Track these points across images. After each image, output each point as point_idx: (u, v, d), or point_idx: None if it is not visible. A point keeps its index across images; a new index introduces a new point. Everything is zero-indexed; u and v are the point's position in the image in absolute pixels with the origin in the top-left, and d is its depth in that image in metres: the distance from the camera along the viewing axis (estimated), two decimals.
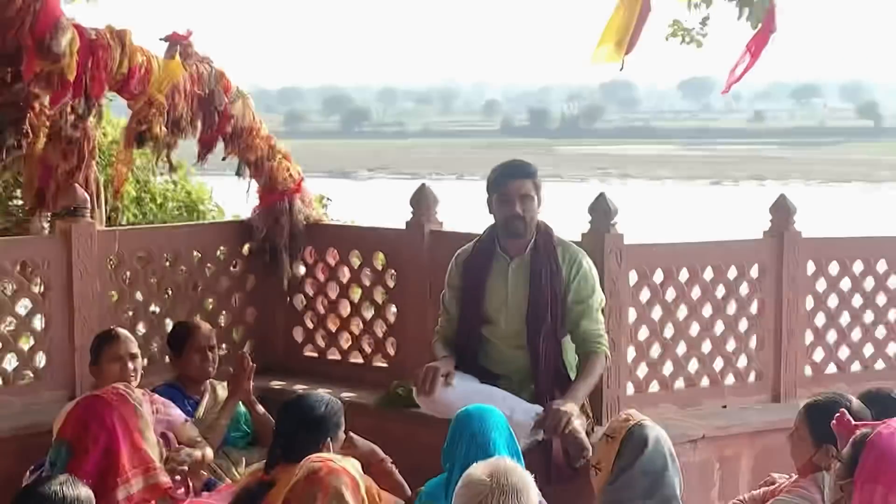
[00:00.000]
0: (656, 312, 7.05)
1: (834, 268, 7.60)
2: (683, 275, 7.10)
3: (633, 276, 6.90)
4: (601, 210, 6.72)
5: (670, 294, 7.07)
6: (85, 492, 4.00)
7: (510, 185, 6.28)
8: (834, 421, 4.81)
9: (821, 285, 7.57)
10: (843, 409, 4.91)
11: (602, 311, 6.35)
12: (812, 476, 5.23)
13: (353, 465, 4.61)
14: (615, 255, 6.71)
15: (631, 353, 6.94)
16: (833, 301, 7.63)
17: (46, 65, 6.26)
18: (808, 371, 7.49)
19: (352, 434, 5.71)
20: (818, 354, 7.59)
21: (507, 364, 6.44)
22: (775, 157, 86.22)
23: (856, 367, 7.70)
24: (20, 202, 9.02)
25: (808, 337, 7.52)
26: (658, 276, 7.01)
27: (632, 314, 6.92)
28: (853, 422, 4.73)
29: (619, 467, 4.73)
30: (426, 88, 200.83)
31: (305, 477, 4.47)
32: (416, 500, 5.46)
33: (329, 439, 5.33)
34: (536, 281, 6.28)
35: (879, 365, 7.76)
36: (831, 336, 7.63)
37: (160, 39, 7.24)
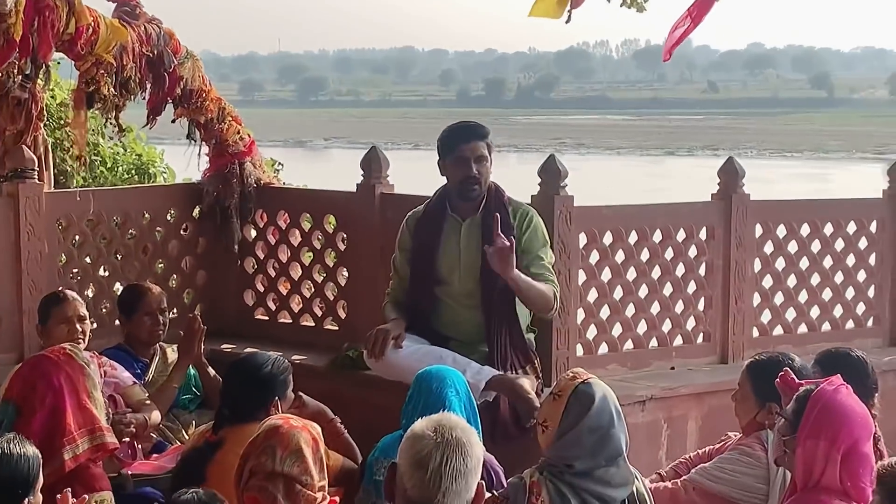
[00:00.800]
0: (605, 274, 7.09)
1: (781, 230, 7.67)
2: (633, 237, 7.14)
3: (582, 238, 6.92)
4: (551, 171, 6.73)
5: (619, 256, 7.10)
6: (32, 450, 3.97)
7: (465, 146, 6.26)
8: (778, 379, 4.87)
9: (768, 248, 7.64)
10: (786, 368, 4.98)
11: (552, 268, 6.35)
12: (756, 434, 5.29)
13: (313, 426, 4.61)
14: (565, 216, 6.73)
15: (580, 314, 6.98)
16: (780, 264, 7.70)
17: None
18: (755, 333, 7.56)
19: (301, 393, 5.71)
20: (765, 316, 7.67)
21: (460, 325, 6.44)
22: (729, 126, 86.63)
23: (802, 329, 7.79)
24: None
25: (756, 299, 7.59)
26: (608, 239, 7.04)
27: (581, 276, 6.95)
28: (797, 379, 4.80)
29: (565, 425, 4.71)
30: (382, 57, 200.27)
31: (265, 431, 4.45)
32: (370, 456, 5.48)
33: (277, 398, 5.34)
34: (487, 235, 6.27)
35: (826, 327, 7.86)
36: (778, 298, 7.71)
37: (108, 0, 7.19)
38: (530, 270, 6.20)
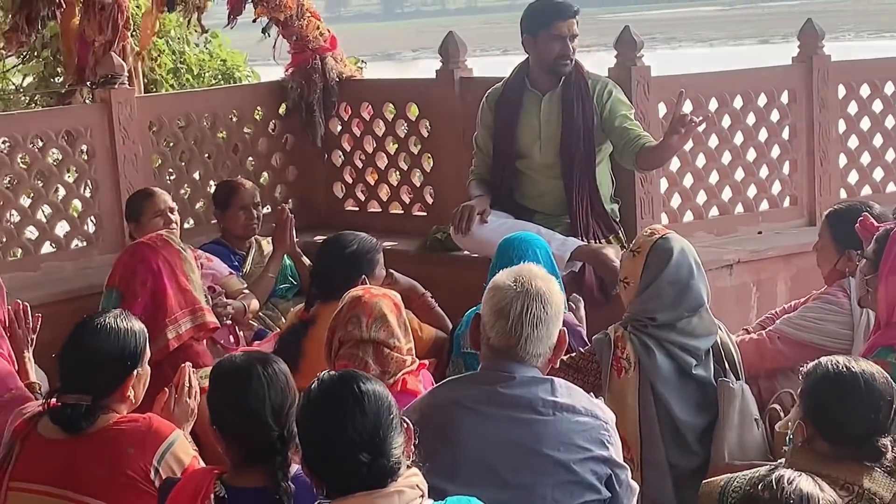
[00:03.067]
0: (687, 143, 7.10)
1: (865, 90, 7.61)
2: (713, 104, 7.15)
3: (661, 108, 6.95)
4: (626, 43, 6.76)
5: (701, 125, 7.11)
6: (138, 325, 4.13)
7: (563, 23, 6.34)
8: (857, 224, 4.93)
9: (852, 108, 7.59)
10: (865, 213, 5.03)
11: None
12: (838, 282, 5.35)
13: (393, 294, 4.74)
14: (643, 86, 6.76)
15: (664, 184, 7.03)
16: (865, 123, 7.66)
17: None
18: (842, 194, 7.52)
19: (392, 271, 5.89)
20: (853, 177, 7.64)
21: (542, 198, 6.57)
22: (825, 10, 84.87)
23: (891, 188, 7.73)
24: (63, 79, 9.16)
25: (842, 160, 7.57)
26: (687, 107, 7.05)
27: None
28: (875, 223, 4.85)
29: (646, 279, 4.84)
30: None
31: (349, 303, 4.58)
32: (457, 329, 5.62)
33: (364, 276, 5.49)
34: (569, 111, 6.37)
35: None
36: (865, 158, 7.67)
37: None
38: (626, 128, 6.29)
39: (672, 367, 4.81)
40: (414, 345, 4.90)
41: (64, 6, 7.00)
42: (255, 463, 3.56)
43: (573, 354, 4.99)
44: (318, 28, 7.86)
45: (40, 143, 7.08)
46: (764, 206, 7.37)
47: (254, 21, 7.81)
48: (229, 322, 6.24)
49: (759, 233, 7.27)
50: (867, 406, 3.52)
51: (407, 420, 3.19)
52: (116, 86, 7.21)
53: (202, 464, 3.96)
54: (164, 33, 9.42)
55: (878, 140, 7.69)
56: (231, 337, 6.34)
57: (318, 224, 7.92)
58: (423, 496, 3.13)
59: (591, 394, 4.81)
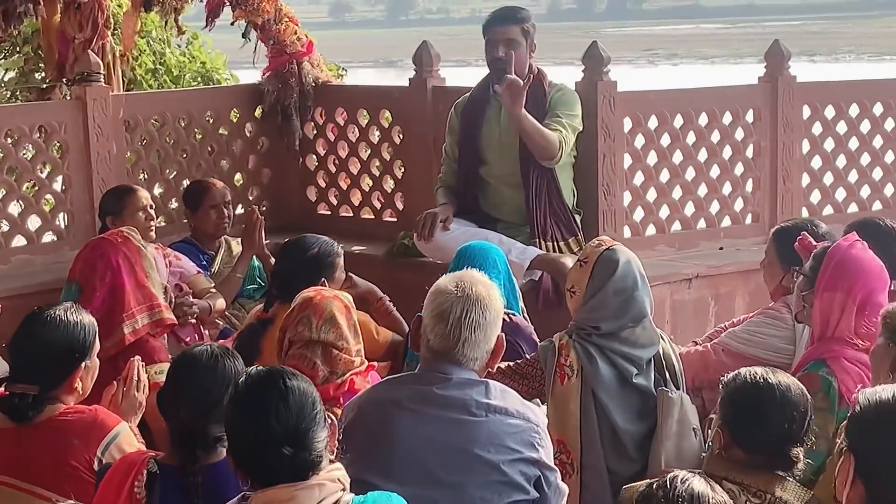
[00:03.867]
0: (651, 158, 7.25)
1: (830, 112, 7.74)
2: (678, 121, 7.27)
3: (627, 123, 7.08)
4: (594, 58, 6.89)
5: (665, 140, 7.25)
6: (88, 318, 4.25)
7: (496, 30, 6.56)
8: (796, 242, 5.06)
9: (816, 129, 7.73)
10: (804, 232, 5.16)
11: (575, 129, 6.58)
12: (783, 298, 5.46)
13: (344, 296, 4.85)
14: (608, 101, 6.89)
15: (627, 197, 7.16)
16: (829, 144, 7.79)
17: None
18: (804, 213, 7.66)
19: (351, 274, 5.99)
20: (815, 196, 7.77)
21: (504, 205, 6.72)
22: (826, 32, 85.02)
23: (853, 208, 7.86)
24: (43, 75, 9.27)
25: (805, 180, 7.70)
26: (653, 123, 7.19)
27: (627, 160, 7.11)
28: (814, 242, 4.98)
29: (591, 289, 4.94)
30: None
31: (300, 304, 4.68)
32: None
33: (324, 278, 5.60)
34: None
35: (876, 206, 7.93)
36: (828, 178, 7.81)
37: None
38: (545, 122, 6.44)
39: (614, 376, 4.91)
40: (370, 346, 5.02)
41: (41, 3, 7.09)
42: (184, 446, 3.70)
43: (519, 361, 5.10)
44: (295, 33, 7.98)
45: (14, 138, 7.17)
46: (726, 222, 7.49)
47: (232, 24, 7.94)
48: (194, 321, 6.35)
49: (720, 248, 7.39)
50: (781, 416, 3.64)
51: (331, 416, 3.31)
52: (92, 83, 7.32)
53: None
54: (145, 33, 9.56)
55: (841, 161, 7.83)
56: (196, 335, 6.44)
57: (292, 227, 7.98)
58: (344, 490, 3.23)
59: (537, 400, 4.98)
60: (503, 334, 4.06)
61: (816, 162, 7.75)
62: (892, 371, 3.99)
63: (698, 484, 2.92)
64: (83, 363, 4.16)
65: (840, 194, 7.82)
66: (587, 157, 6.85)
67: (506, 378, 4.99)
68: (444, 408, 3.89)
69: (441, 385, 3.92)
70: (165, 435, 3.86)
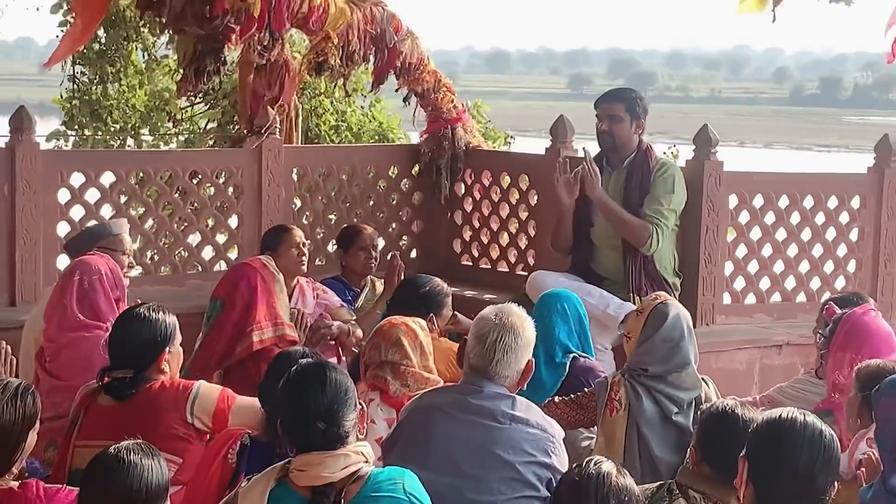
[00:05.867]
0: (755, 233, 7.92)
1: None
2: (783, 201, 7.93)
3: (733, 200, 7.78)
4: (703, 139, 7.64)
5: (769, 218, 7.92)
6: (171, 317, 5.10)
7: (601, 106, 7.45)
8: (824, 310, 5.74)
9: None
10: (830, 302, 5.83)
11: (674, 212, 7.30)
12: None
13: (415, 322, 5.69)
14: (714, 178, 7.62)
15: (729, 267, 7.84)
16: None
17: (235, 3, 7.60)
18: None
19: (456, 313, 6.84)
20: None
21: (607, 264, 7.50)
22: None
23: None
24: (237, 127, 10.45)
25: None
26: (758, 201, 7.87)
27: (730, 233, 7.81)
28: (837, 309, 5.66)
29: (643, 336, 5.68)
30: (716, 53, 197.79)
31: (373, 333, 5.61)
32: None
33: (432, 313, 6.47)
34: (629, 184, 7.36)
35: None
36: None
37: None
38: (642, 210, 7.23)
39: (656, 412, 5.64)
40: (455, 372, 5.85)
41: (226, 62, 8.20)
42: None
43: (580, 393, 5.89)
44: (451, 101, 8.94)
45: (198, 179, 8.29)
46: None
47: (396, 90, 8.95)
48: (332, 342, 7.28)
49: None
50: (743, 441, 4.34)
51: (362, 403, 4.17)
52: (269, 136, 8.41)
53: (230, 393, 4.97)
54: (329, 94, 10.71)
55: None
56: (335, 358, 7.37)
57: (437, 274, 8.87)
58: (366, 462, 4.08)
59: (594, 427, 5.77)
60: (532, 359, 4.85)
61: None
62: (859, 416, 4.66)
63: (607, 465, 3.66)
64: (166, 349, 5.02)
65: None
66: (691, 227, 7.58)
67: (567, 407, 5.83)
68: (475, 414, 4.71)
69: (475, 395, 4.74)
70: None
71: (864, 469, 4.48)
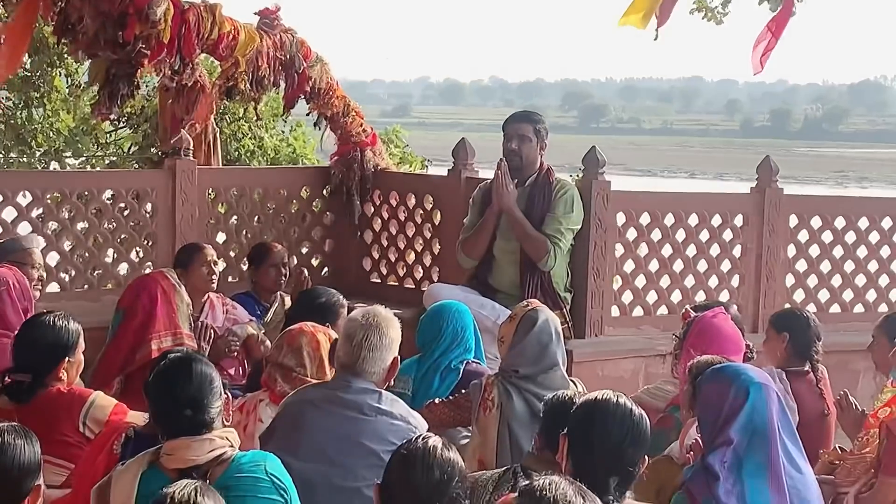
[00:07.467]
0: (642, 249, 8.35)
1: (816, 222, 8.75)
2: (668, 219, 8.37)
3: (620, 218, 8.21)
4: (591, 160, 8.08)
5: (655, 235, 8.36)
6: (74, 325, 5.34)
7: (511, 126, 7.92)
8: (682, 315, 6.16)
9: (803, 236, 8.74)
10: (687, 307, 6.26)
11: (571, 231, 7.74)
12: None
13: (323, 331, 6.07)
14: (602, 197, 8.04)
15: (617, 281, 8.27)
16: (815, 251, 8.79)
17: (146, 29, 7.97)
18: (786, 307, 8.61)
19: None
20: (798, 295, 8.76)
21: (504, 278, 7.91)
22: None
23: (835, 308, 8.83)
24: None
25: (790, 280, 8.70)
26: (644, 219, 8.31)
27: (619, 249, 8.23)
28: (692, 313, 6.09)
29: (515, 339, 6.08)
30: (668, 86, 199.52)
31: (284, 333, 5.98)
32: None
33: (328, 323, 6.84)
34: (531, 202, 7.80)
35: (858, 308, 8.87)
36: (812, 280, 8.79)
37: (254, 13, 8.93)
38: (542, 227, 7.64)
39: (526, 410, 6.02)
40: None
41: (139, 86, 8.55)
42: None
43: (457, 395, 6.29)
44: (361, 125, 9.34)
45: (112, 199, 8.63)
46: None
47: (307, 115, 9.34)
48: (235, 354, 7.63)
49: None
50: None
51: (228, 394, 4.53)
52: (182, 157, 8.77)
53: (124, 408, 5.23)
54: (248, 119, 11.10)
55: (825, 266, 8.80)
56: (239, 368, 7.73)
57: (347, 291, 9.18)
58: (231, 446, 4.44)
59: (472, 427, 6.16)
60: (398, 357, 5.24)
61: (801, 265, 8.76)
62: (691, 407, 5.08)
63: (434, 440, 4.03)
64: (66, 358, 5.26)
65: (823, 295, 8.80)
66: (581, 243, 7.99)
67: (445, 407, 6.24)
68: (344, 407, 5.09)
69: (343, 390, 5.12)
70: None
71: (692, 453, 4.89)
